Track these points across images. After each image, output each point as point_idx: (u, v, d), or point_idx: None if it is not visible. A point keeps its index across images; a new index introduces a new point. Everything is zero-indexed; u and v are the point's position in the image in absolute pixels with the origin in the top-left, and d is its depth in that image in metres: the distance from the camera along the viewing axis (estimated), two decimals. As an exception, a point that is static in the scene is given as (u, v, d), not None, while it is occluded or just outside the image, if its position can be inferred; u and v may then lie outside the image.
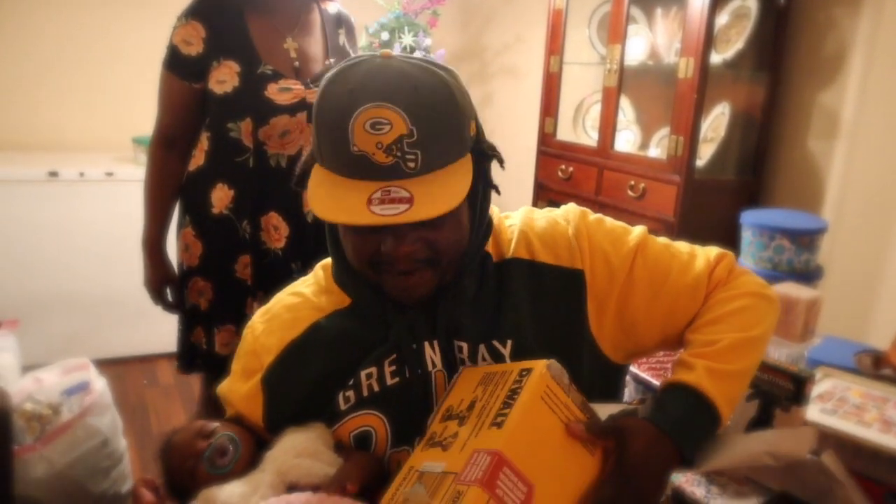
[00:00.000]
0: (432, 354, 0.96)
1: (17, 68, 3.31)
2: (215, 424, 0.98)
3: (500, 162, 0.95)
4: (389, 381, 0.96)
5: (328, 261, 1.05)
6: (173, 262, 1.93)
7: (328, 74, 0.87)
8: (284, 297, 1.06)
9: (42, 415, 1.87)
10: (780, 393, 1.21)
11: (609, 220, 1.05)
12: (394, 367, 0.96)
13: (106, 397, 2.00)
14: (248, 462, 0.93)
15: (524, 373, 0.85)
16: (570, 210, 1.05)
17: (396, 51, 3.29)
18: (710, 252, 1.05)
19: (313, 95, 1.76)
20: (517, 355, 0.95)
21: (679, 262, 1.01)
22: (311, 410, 0.97)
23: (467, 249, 0.94)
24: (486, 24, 3.90)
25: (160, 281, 1.90)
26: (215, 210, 1.80)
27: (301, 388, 0.98)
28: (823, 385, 1.31)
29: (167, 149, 1.82)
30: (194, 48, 1.72)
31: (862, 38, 2.18)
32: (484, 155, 0.93)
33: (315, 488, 0.86)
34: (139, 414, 2.86)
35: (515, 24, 3.70)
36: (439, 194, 0.84)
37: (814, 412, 1.30)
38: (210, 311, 1.86)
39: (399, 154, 0.81)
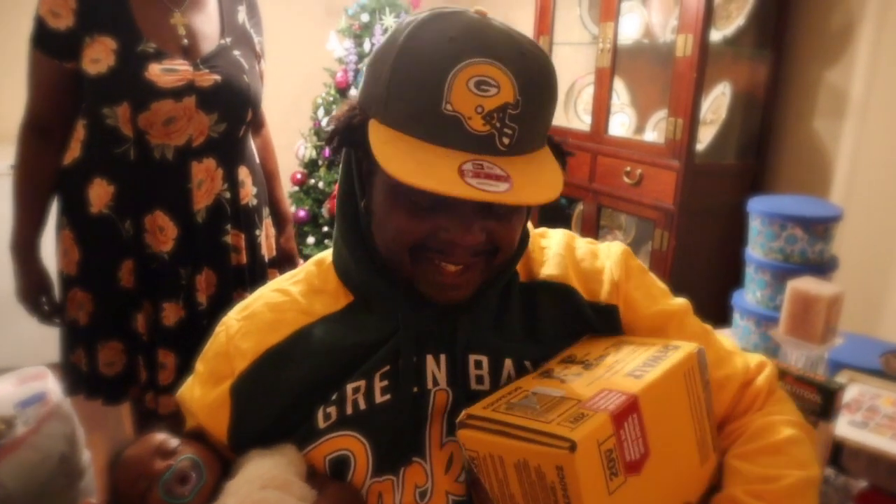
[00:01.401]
0: (435, 370, 0.82)
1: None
2: (177, 442, 0.83)
3: (564, 164, 0.81)
4: (379, 399, 0.82)
5: (322, 256, 0.91)
6: (51, 267, 1.72)
7: (410, 18, 0.74)
8: (267, 294, 0.90)
9: (-7, 430, 1.72)
10: (805, 407, 1.08)
11: (651, 275, 0.96)
12: (385, 382, 0.82)
13: (64, 408, 1.85)
14: (212, 491, 0.79)
15: (671, 347, 0.80)
16: (613, 246, 0.95)
17: (377, 34, 3.14)
18: (751, 357, 0.95)
19: (203, 78, 1.57)
20: None
21: (715, 352, 0.91)
22: (284, 428, 0.83)
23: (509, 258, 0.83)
24: (472, 4, 3.73)
25: (35, 290, 1.70)
26: (94, 209, 1.59)
27: (276, 402, 0.83)
28: (849, 392, 1.19)
29: (39, 138, 1.60)
30: (63, 21, 1.50)
31: (871, 10, 2.06)
32: (556, 149, 0.80)
33: None
34: (112, 418, 2.71)
35: (502, 4, 3.56)
36: (537, 180, 0.71)
37: (842, 426, 1.18)
38: (91, 325, 1.66)
39: (498, 124, 0.69)
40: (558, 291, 0.88)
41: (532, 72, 0.71)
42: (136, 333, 1.66)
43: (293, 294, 0.88)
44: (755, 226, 1.70)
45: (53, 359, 1.82)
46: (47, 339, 2.84)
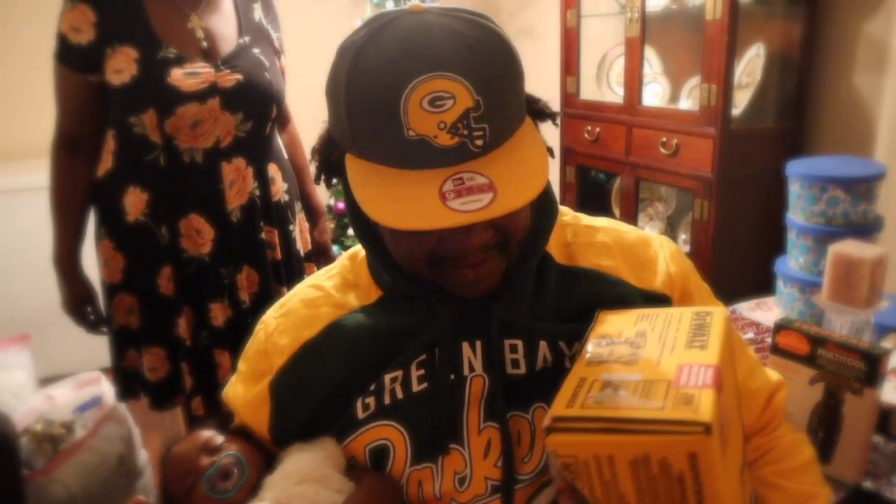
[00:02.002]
0: (471, 356, 0.82)
1: (17, 74, 3.22)
2: (222, 439, 0.86)
3: (554, 120, 0.82)
4: (416, 388, 0.82)
5: (355, 250, 0.92)
6: (93, 278, 1.76)
7: (348, 43, 0.72)
8: (302, 290, 0.92)
9: (54, 435, 1.80)
10: (849, 374, 1.05)
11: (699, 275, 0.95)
12: (422, 371, 0.82)
13: (120, 410, 1.92)
14: (254, 486, 0.82)
15: (703, 313, 0.76)
16: (665, 240, 0.94)
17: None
18: (771, 373, 0.97)
19: (225, 79, 1.59)
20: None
21: (748, 361, 0.93)
22: (324, 421, 0.84)
23: (529, 237, 0.81)
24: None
25: (79, 301, 1.74)
26: (130, 217, 1.63)
27: (314, 395, 0.85)
28: (897, 357, 1.15)
29: (71, 153, 1.64)
30: (84, 35, 1.54)
31: (910, -43, 1.96)
32: (539, 115, 0.80)
33: None
34: (168, 418, 2.78)
35: (528, -19, 3.51)
36: (520, 174, 0.70)
37: (889, 392, 1.15)
38: (141, 330, 1.70)
39: (466, 132, 0.68)
40: (604, 280, 0.86)
41: (485, 65, 0.69)
42: (179, 339, 1.69)
43: (327, 289, 0.90)
44: (794, 189, 1.65)
45: (106, 364, 1.88)
46: (100, 346, 2.94)
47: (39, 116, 3.26)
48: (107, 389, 1.94)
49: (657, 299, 0.86)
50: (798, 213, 1.65)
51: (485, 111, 0.68)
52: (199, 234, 1.65)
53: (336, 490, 0.78)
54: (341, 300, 0.88)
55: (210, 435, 0.87)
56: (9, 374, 1.95)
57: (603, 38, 2.76)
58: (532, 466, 0.81)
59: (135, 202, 1.62)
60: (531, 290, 0.84)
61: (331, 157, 0.77)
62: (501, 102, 0.70)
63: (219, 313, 1.69)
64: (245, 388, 0.89)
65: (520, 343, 0.82)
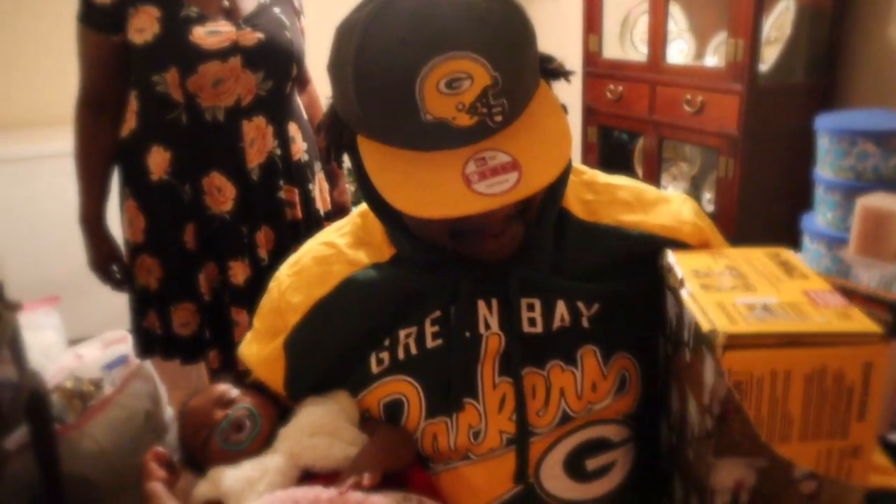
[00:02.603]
0: (487, 314, 0.82)
1: (32, 41, 3.23)
2: (237, 392, 0.87)
3: (568, 78, 0.80)
4: (430, 343, 0.82)
5: (366, 207, 0.90)
6: (118, 238, 1.79)
7: (352, 20, 0.69)
8: (315, 247, 0.91)
9: (84, 391, 1.84)
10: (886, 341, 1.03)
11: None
12: (436, 328, 0.82)
13: (146, 368, 1.95)
14: (268, 437, 0.83)
15: (774, 253, 0.78)
16: (685, 197, 0.91)
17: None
18: None
19: (246, 37, 1.58)
20: (600, 317, 0.82)
21: None
22: (339, 375, 0.85)
23: (545, 195, 0.79)
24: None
25: (105, 259, 1.77)
26: (154, 176, 1.64)
27: (329, 352, 0.85)
28: (926, 309, 1.13)
29: (95, 114, 1.65)
30: None
31: None
32: (553, 74, 0.77)
33: (333, 473, 0.75)
34: (195, 373, 2.82)
35: (551, -62, 3.44)
36: (542, 146, 0.68)
37: (918, 343, 1.13)
38: (161, 290, 1.72)
39: (485, 110, 0.66)
40: (629, 237, 0.85)
41: (500, 37, 0.66)
42: (199, 294, 1.72)
43: (339, 246, 0.89)
44: (823, 144, 1.62)
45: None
46: (126, 308, 3.00)
47: (60, 83, 3.29)
48: (133, 348, 1.97)
49: (685, 247, 0.84)
50: (826, 168, 1.62)
51: (503, 86, 0.66)
52: (220, 192, 1.66)
53: (349, 442, 0.78)
54: (354, 257, 0.87)
55: (224, 389, 0.88)
56: (39, 335, 1.99)
57: (627, -4, 2.71)
58: (548, 420, 0.80)
59: (158, 161, 1.64)
60: (550, 248, 0.83)
61: (341, 138, 0.76)
62: (519, 74, 0.68)
63: (238, 271, 1.70)
64: (260, 346, 0.90)
65: (537, 302, 0.81)
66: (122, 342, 2.00)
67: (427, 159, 0.67)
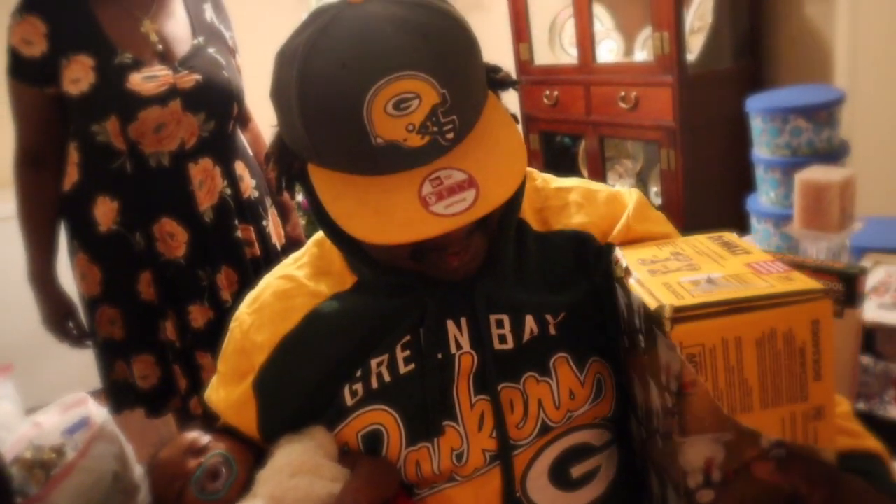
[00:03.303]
0: (457, 334, 0.80)
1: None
2: (208, 439, 0.84)
3: (515, 87, 0.79)
4: (403, 369, 0.80)
5: (322, 235, 0.88)
6: (70, 293, 1.74)
7: (291, 46, 0.67)
8: (273, 282, 0.88)
9: (45, 460, 1.76)
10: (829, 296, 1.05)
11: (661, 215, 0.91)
12: (408, 352, 0.80)
13: (109, 428, 1.88)
14: (245, 483, 0.80)
15: (716, 236, 0.78)
16: (634, 191, 0.90)
17: None
18: None
19: (184, 80, 1.56)
20: (566, 323, 0.81)
21: None
22: (313, 412, 0.82)
23: (503, 208, 0.77)
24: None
25: (60, 316, 1.73)
26: (102, 227, 1.60)
27: (300, 388, 0.83)
28: (876, 275, 1.15)
29: (36, 169, 1.62)
30: (37, 47, 1.51)
31: None
32: (500, 85, 0.76)
33: None
34: (164, 426, 2.75)
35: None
36: (497, 161, 0.67)
37: (871, 310, 1.15)
38: (126, 340, 1.68)
39: (435, 129, 0.64)
40: (576, 239, 0.84)
41: (445, 54, 0.64)
42: (168, 343, 1.68)
43: (299, 278, 0.87)
44: (757, 125, 1.66)
45: (92, 387, 1.85)
46: (84, 370, 2.91)
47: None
48: (94, 409, 1.90)
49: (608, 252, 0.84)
50: (763, 147, 1.65)
51: (452, 102, 0.64)
52: (172, 238, 1.63)
53: (331, 479, 0.76)
54: (315, 289, 0.85)
55: (195, 436, 0.85)
56: (-8, 407, 1.91)
57: (551, 1, 2.74)
58: (527, 432, 0.80)
59: (105, 212, 1.60)
60: (511, 261, 0.82)
61: (291, 168, 0.74)
62: (467, 89, 0.66)
63: (198, 315, 1.67)
64: (227, 390, 0.87)
65: (506, 318, 0.81)
66: (81, 405, 1.93)
67: (381, 183, 0.65)
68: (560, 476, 0.81)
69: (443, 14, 0.67)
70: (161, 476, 0.83)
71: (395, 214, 0.64)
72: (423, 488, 0.82)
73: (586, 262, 0.84)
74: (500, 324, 0.81)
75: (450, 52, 0.65)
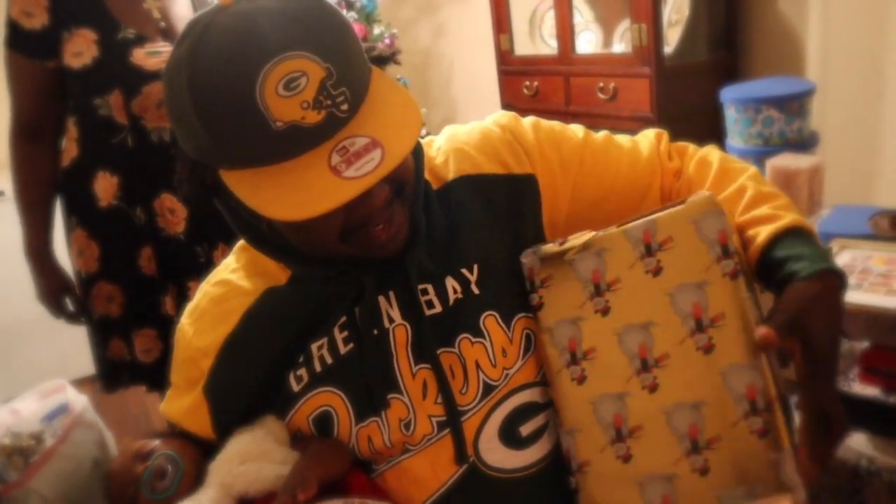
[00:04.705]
0: (388, 308, 0.83)
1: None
2: (154, 443, 0.86)
3: (395, 60, 0.83)
4: (343, 350, 0.83)
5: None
6: (66, 268, 1.75)
7: (174, 60, 0.70)
8: (209, 290, 0.91)
9: (24, 447, 1.75)
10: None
11: (545, 121, 0.94)
12: (346, 333, 0.83)
13: (88, 415, 1.87)
14: (195, 479, 0.82)
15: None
16: (500, 116, 0.93)
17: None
18: (647, 134, 1.00)
19: None
20: (484, 278, 0.84)
21: (627, 149, 0.95)
22: (263, 404, 0.85)
23: (413, 176, 0.81)
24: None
25: (56, 290, 1.73)
26: (103, 203, 1.61)
27: (249, 385, 0.85)
28: (842, 258, 1.19)
29: (32, 142, 1.62)
30: (37, 20, 1.51)
31: None
32: (380, 61, 0.80)
33: (270, 495, 0.75)
34: (142, 420, 2.76)
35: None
36: (395, 118, 0.71)
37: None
38: (124, 316, 1.68)
39: (329, 102, 0.67)
40: (470, 182, 0.87)
41: (320, 31, 0.68)
42: (168, 317, 1.68)
43: (233, 281, 0.89)
44: (731, 115, 1.69)
45: (73, 376, 1.85)
46: (64, 358, 2.89)
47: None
48: (73, 396, 1.90)
49: (523, 180, 0.88)
50: (736, 137, 1.69)
51: (338, 75, 0.68)
52: (172, 213, 1.64)
53: (280, 462, 0.78)
54: (249, 288, 0.87)
55: (141, 443, 0.87)
56: (-32, 394, 1.90)
57: (531, -8, 2.77)
58: (471, 395, 0.82)
59: (106, 187, 1.60)
60: (425, 226, 0.84)
61: (203, 181, 0.76)
62: (349, 60, 0.70)
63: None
64: (181, 399, 0.89)
65: (430, 286, 0.83)
66: (60, 391, 1.92)
67: (292, 167, 0.68)
68: (510, 436, 0.83)
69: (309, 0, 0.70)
70: (114, 485, 0.87)
71: (311, 189, 0.67)
72: (380, 463, 0.84)
73: (485, 201, 0.86)
74: (424, 291, 0.83)
75: (325, 29, 0.69)
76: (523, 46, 2.78)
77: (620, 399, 0.78)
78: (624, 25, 2.50)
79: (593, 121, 2.43)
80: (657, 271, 0.77)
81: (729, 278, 0.74)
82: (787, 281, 0.75)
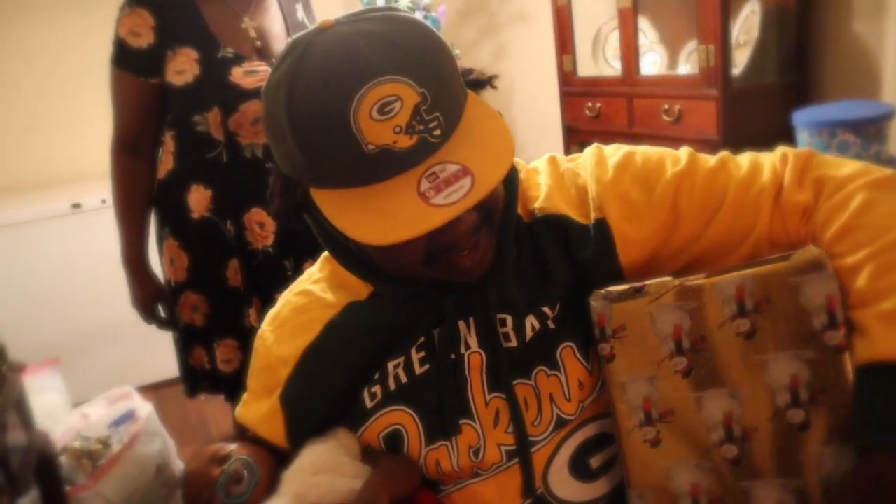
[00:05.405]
0: (466, 334, 0.83)
1: (27, 106, 3.26)
2: (231, 447, 0.87)
3: (492, 84, 0.83)
4: (419, 370, 0.83)
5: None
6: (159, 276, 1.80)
7: (273, 81, 0.72)
8: (292, 299, 0.92)
9: (92, 450, 1.83)
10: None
11: (640, 153, 0.86)
12: (423, 354, 0.83)
13: (153, 423, 1.94)
14: (269, 486, 0.83)
15: None
16: (586, 156, 0.88)
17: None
18: (775, 154, 0.85)
19: None
20: (562, 318, 0.82)
21: (738, 178, 0.82)
22: (337, 416, 0.86)
23: (504, 204, 0.80)
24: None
25: (150, 299, 1.78)
26: (195, 215, 1.67)
27: (324, 396, 0.86)
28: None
29: (132, 155, 1.69)
30: (144, 39, 1.58)
31: None
32: (477, 84, 0.80)
33: None
34: (200, 430, 2.81)
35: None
36: (487, 147, 0.70)
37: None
38: (207, 326, 1.73)
39: (422, 127, 0.68)
40: (551, 222, 0.84)
41: (416, 55, 0.69)
42: (251, 329, 1.71)
43: (315, 293, 0.90)
44: (803, 139, 1.65)
45: (138, 383, 1.90)
46: (129, 366, 2.97)
47: (52, 147, 3.32)
48: (139, 403, 1.97)
49: (596, 228, 0.82)
50: (809, 161, 1.65)
51: (432, 100, 0.68)
52: (262, 227, 1.68)
53: (353, 476, 0.79)
54: (331, 301, 0.88)
55: (218, 447, 0.88)
56: (43, 397, 1.98)
57: (595, 13, 2.75)
58: (543, 427, 0.81)
59: (199, 199, 1.66)
60: (514, 257, 0.83)
61: (294, 198, 0.77)
62: (444, 85, 0.70)
63: None
64: (257, 406, 0.91)
65: (508, 318, 0.82)
66: (126, 398, 2.00)
67: (381, 190, 0.69)
68: (580, 467, 0.82)
69: (407, 21, 0.71)
70: (190, 487, 0.86)
71: (399, 214, 0.67)
72: (448, 484, 0.84)
73: (565, 243, 0.83)
74: (503, 322, 0.82)
75: (421, 54, 0.69)
76: (586, 67, 2.76)
77: (700, 468, 0.74)
78: (690, 47, 2.47)
79: (656, 143, 2.39)
80: (749, 334, 0.71)
81: (834, 352, 0.67)
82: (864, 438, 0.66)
